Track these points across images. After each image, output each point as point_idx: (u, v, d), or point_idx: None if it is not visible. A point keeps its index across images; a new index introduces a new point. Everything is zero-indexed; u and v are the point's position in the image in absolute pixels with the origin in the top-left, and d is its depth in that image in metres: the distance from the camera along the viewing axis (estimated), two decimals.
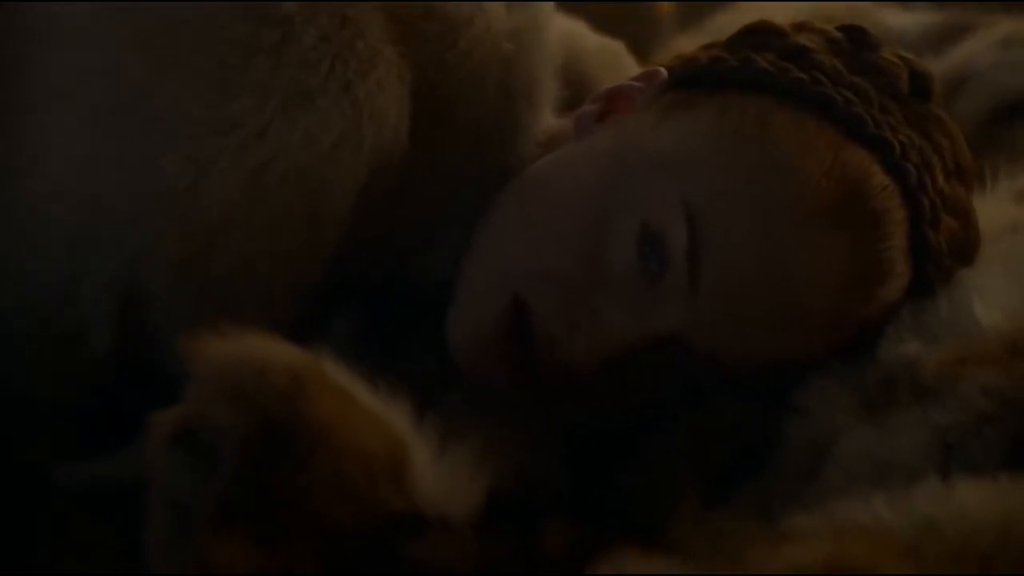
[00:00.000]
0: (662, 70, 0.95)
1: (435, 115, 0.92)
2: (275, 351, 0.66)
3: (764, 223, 0.85)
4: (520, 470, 0.79)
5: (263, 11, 0.84)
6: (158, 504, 0.66)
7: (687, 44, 1.01)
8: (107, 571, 0.77)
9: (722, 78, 0.91)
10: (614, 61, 1.11)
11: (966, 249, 0.92)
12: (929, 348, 0.83)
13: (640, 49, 1.25)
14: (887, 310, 0.88)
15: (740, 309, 0.85)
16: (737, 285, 0.85)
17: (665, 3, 1.56)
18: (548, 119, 0.99)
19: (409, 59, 0.89)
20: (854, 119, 0.88)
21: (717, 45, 0.96)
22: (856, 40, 0.93)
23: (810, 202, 0.85)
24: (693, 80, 0.93)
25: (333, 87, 0.85)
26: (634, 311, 0.86)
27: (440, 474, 0.68)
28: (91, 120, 0.85)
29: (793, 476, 0.83)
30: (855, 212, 0.86)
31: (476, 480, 0.69)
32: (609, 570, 0.66)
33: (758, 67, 0.90)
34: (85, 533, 0.79)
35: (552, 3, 1.03)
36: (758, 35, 0.94)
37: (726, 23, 1.32)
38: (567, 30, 1.08)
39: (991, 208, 0.99)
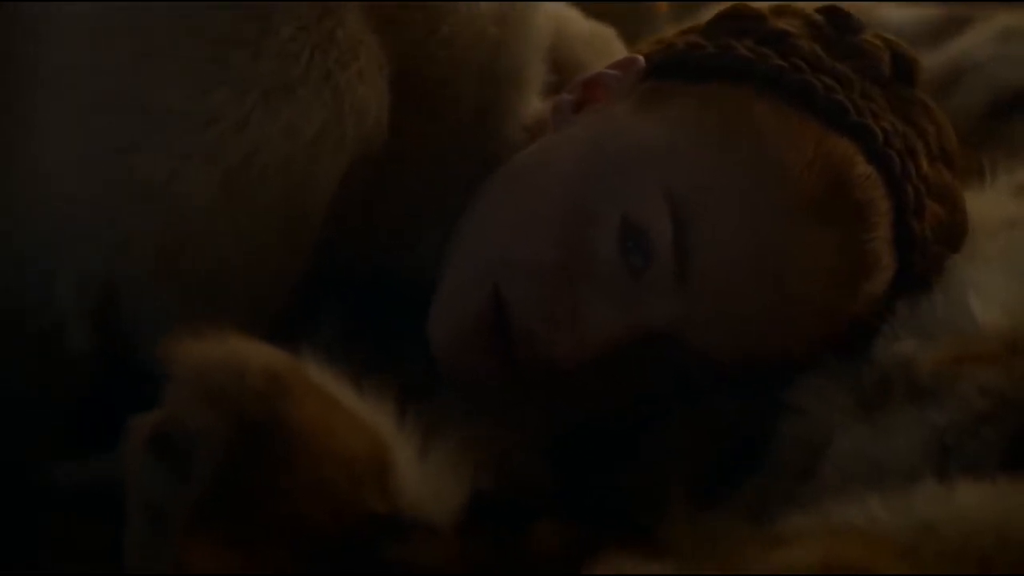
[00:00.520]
0: (639, 58, 0.94)
1: (418, 103, 0.91)
2: (254, 353, 0.65)
3: (747, 217, 0.84)
4: (510, 468, 0.78)
5: (241, 2, 0.83)
6: (135, 508, 0.65)
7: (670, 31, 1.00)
8: (107, 572, 0.76)
9: (700, 66, 0.90)
10: (604, 47, 1.10)
11: (953, 234, 0.91)
12: (925, 347, 0.82)
13: None
14: (875, 303, 0.87)
15: (728, 304, 0.84)
16: (725, 280, 0.84)
17: (663, 2, 1.56)
18: (535, 103, 0.98)
19: (390, 47, 0.88)
20: (835, 107, 0.87)
21: (695, 30, 0.95)
22: (837, 23, 0.92)
23: (793, 195, 0.84)
24: (671, 68, 0.92)
25: (313, 78, 0.84)
26: (617, 305, 0.85)
27: (424, 476, 0.67)
28: (67, 115, 0.85)
29: (788, 475, 0.82)
30: (839, 204, 0.85)
31: (461, 481, 0.68)
32: (606, 571, 0.65)
33: (737, 54, 0.89)
34: (85, 533, 0.78)
35: None
36: (736, 20, 0.93)
37: None
38: (557, 14, 1.07)
39: (989, 203, 0.98)
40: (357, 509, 0.64)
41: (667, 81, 0.91)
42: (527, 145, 0.95)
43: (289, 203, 0.85)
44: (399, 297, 0.97)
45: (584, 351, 0.85)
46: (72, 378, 0.88)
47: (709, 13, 0.97)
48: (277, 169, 0.83)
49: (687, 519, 0.73)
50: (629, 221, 0.85)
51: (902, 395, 0.81)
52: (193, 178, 0.82)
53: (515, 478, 0.79)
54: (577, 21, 1.12)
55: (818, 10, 0.94)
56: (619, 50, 1.11)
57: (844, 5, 0.94)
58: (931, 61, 1.26)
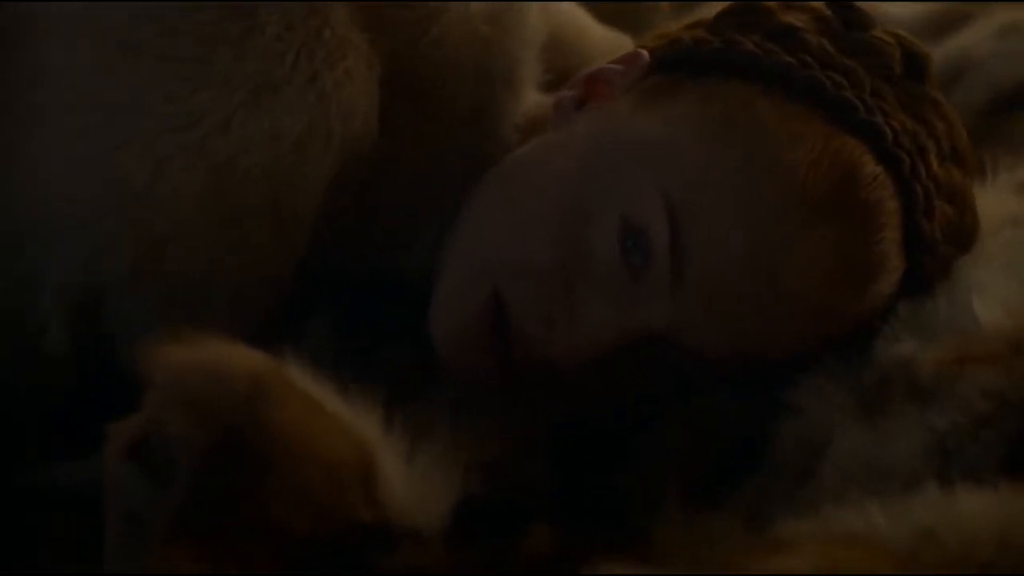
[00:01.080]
0: (644, 52, 0.93)
1: (411, 103, 0.90)
2: (235, 357, 0.64)
3: (749, 217, 0.83)
4: (503, 469, 0.78)
5: (227, 1, 0.82)
6: (115, 514, 0.65)
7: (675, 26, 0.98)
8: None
9: (706, 62, 0.89)
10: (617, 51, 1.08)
11: (963, 235, 0.90)
12: (926, 347, 0.81)
13: None
14: (882, 303, 0.86)
15: (726, 305, 0.83)
16: (722, 281, 0.83)
17: (665, 3, 1.55)
18: (528, 101, 0.97)
19: (380, 47, 0.87)
20: (844, 105, 0.86)
21: (701, 24, 0.93)
22: (847, 18, 0.91)
23: (797, 194, 0.83)
24: (676, 63, 0.90)
25: (299, 78, 0.83)
26: (617, 306, 0.84)
27: (411, 480, 0.66)
28: (49, 114, 0.84)
29: (787, 476, 0.81)
30: (845, 204, 0.84)
31: (449, 485, 0.68)
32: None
33: (743, 50, 0.88)
34: (85, 533, 0.77)
35: None
36: (744, 14, 0.91)
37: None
38: (564, 19, 1.06)
39: (991, 201, 0.97)
40: (342, 516, 0.63)
41: (671, 76, 0.90)
42: (520, 144, 0.94)
43: (275, 205, 0.84)
44: (393, 297, 0.96)
45: (582, 352, 0.84)
46: (54, 378, 0.88)
47: (712, 9, 0.96)
48: (262, 170, 0.83)
49: (683, 520, 0.72)
50: (628, 221, 0.84)
51: (902, 396, 0.80)
52: (176, 179, 0.82)
53: (509, 479, 0.78)
54: (593, 27, 1.11)
55: (827, 5, 0.92)
56: None
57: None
58: (932, 56, 1.24)
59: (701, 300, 0.83)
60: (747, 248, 0.82)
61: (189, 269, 0.84)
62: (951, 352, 0.79)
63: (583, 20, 1.11)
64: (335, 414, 0.66)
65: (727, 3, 0.93)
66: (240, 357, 0.64)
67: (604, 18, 1.15)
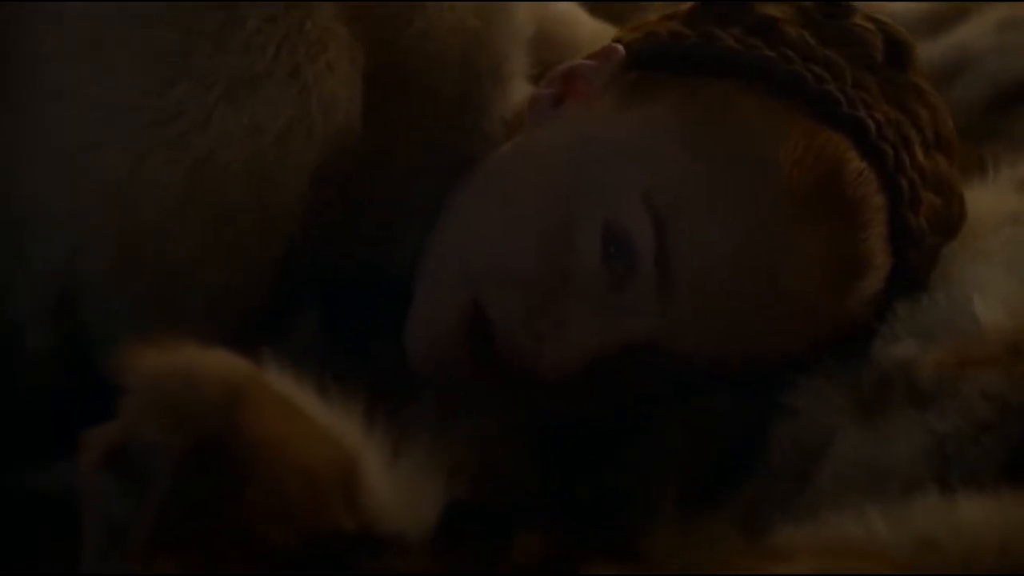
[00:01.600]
0: (619, 47, 0.91)
1: (394, 96, 0.89)
2: (211, 362, 0.62)
3: (734, 218, 0.82)
4: (493, 472, 0.77)
5: None
6: (92, 523, 0.63)
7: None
8: None
9: (683, 58, 0.87)
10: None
11: (950, 224, 0.90)
12: (926, 348, 0.80)
13: None
14: (871, 300, 0.85)
15: (714, 308, 0.82)
16: (709, 284, 0.82)
17: (660, 1, 1.55)
18: (517, 96, 0.95)
19: (364, 40, 0.86)
20: (826, 98, 0.85)
21: (678, 16, 0.91)
22: (828, 7, 0.89)
23: (781, 193, 0.82)
24: (653, 60, 0.89)
25: (280, 72, 0.82)
26: (601, 316, 0.83)
27: (395, 487, 0.65)
28: (26, 108, 0.83)
29: (785, 478, 0.81)
30: (831, 202, 0.83)
31: (435, 490, 0.66)
32: None
33: (722, 45, 0.86)
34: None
35: None
36: (722, 5, 0.89)
37: None
38: (555, 16, 1.05)
39: (992, 198, 0.96)
40: (323, 525, 0.61)
41: (649, 73, 0.88)
42: (506, 140, 0.93)
43: (255, 201, 0.83)
44: (383, 294, 0.95)
45: (568, 364, 0.83)
46: (34, 378, 0.87)
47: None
48: (243, 165, 0.82)
49: (679, 523, 0.71)
50: (610, 228, 0.83)
51: (902, 397, 0.79)
52: (154, 175, 0.81)
53: (498, 482, 0.77)
54: (584, 21, 1.10)
55: None
56: None
57: None
58: (930, 51, 1.24)
59: (688, 304, 0.82)
60: (733, 249, 0.81)
61: (169, 266, 0.83)
62: (951, 354, 0.79)
63: (573, 13, 1.09)
64: (315, 419, 0.64)
65: None
66: (217, 362, 0.63)
67: (604, 19, 1.14)
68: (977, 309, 0.81)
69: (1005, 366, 0.76)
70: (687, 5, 0.92)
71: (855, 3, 0.92)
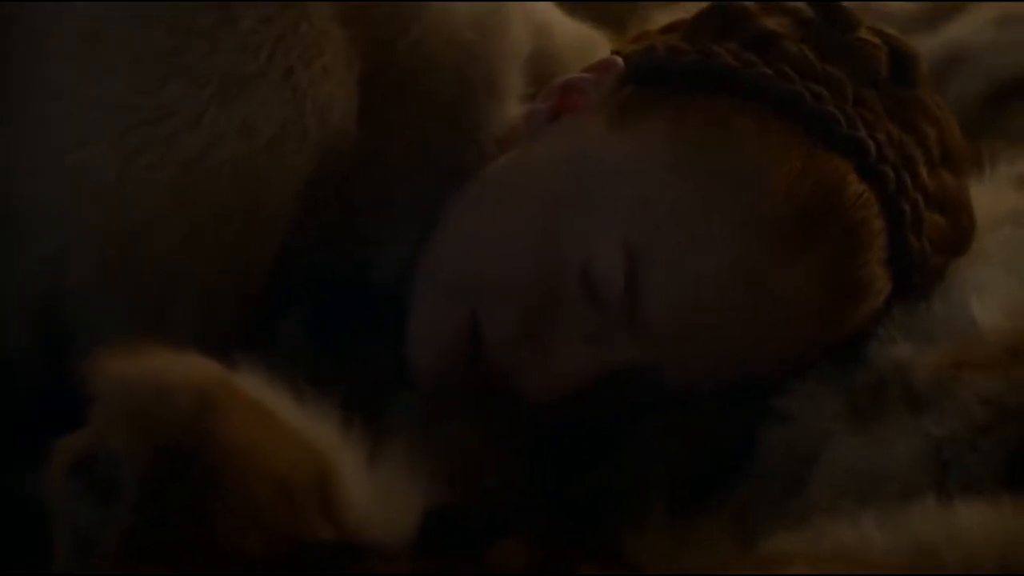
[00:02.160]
0: (618, 61, 0.90)
1: (388, 99, 0.88)
2: (181, 368, 0.62)
3: (724, 246, 0.81)
4: (476, 477, 0.77)
5: None
6: (61, 534, 0.62)
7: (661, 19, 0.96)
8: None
9: (681, 74, 0.86)
10: (589, 56, 1.05)
11: (956, 242, 0.88)
12: (922, 350, 0.80)
13: None
14: (866, 324, 0.84)
15: (701, 337, 0.82)
16: (693, 311, 0.81)
17: (652, 2, 1.55)
18: (511, 114, 0.94)
19: (360, 44, 0.85)
20: (825, 119, 0.83)
21: (676, 29, 0.90)
22: (830, 19, 0.88)
23: (775, 218, 0.81)
24: (650, 75, 0.87)
25: (273, 73, 0.81)
26: (588, 343, 0.83)
27: (373, 491, 0.64)
28: (26, 107, 0.82)
29: (778, 483, 0.80)
30: (828, 227, 0.82)
31: (414, 495, 0.65)
32: None
33: (720, 62, 0.85)
34: None
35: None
36: (721, 19, 0.88)
37: None
38: (540, 21, 1.03)
39: (990, 195, 0.95)
40: (299, 534, 0.60)
41: (646, 88, 0.87)
42: (499, 156, 0.92)
43: (247, 203, 0.83)
44: (376, 296, 0.95)
45: (555, 390, 0.83)
46: (17, 381, 0.86)
47: (692, 8, 0.93)
48: (233, 168, 0.81)
49: (669, 526, 0.71)
50: (588, 260, 0.82)
51: (898, 401, 0.78)
52: (145, 174, 0.80)
53: (484, 486, 0.77)
54: (562, 24, 1.08)
55: (810, 5, 0.89)
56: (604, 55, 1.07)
57: None
58: (927, 46, 1.24)
59: (672, 332, 0.82)
60: (722, 279, 0.81)
61: (158, 267, 0.82)
62: (948, 357, 0.78)
63: (551, 15, 1.07)
64: (289, 424, 0.63)
65: (706, 3, 0.90)
66: (188, 367, 0.62)
67: (604, 19, 1.12)
68: (975, 311, 0.80)
69: (1003, 369, 0.75)
70: (689, 16, 0.91)
71: (855, 3, 0.90)
